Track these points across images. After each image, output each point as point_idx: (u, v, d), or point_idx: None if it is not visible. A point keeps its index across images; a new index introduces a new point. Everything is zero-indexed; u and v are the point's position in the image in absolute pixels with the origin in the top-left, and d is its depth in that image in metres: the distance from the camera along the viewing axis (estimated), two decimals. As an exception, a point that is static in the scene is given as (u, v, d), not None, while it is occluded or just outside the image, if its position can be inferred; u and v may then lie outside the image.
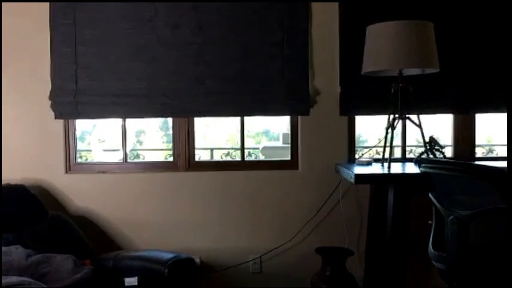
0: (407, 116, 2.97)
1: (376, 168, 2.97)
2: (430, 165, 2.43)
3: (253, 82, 3.28)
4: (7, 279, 2.29)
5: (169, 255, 2.78)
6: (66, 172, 3.35)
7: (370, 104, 3.30)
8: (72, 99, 3.24)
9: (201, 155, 3.52)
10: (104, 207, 3.34)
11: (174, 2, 3.24)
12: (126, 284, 2.70)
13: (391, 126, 2.96)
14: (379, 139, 3.23)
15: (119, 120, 3.41)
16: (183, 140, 3.40)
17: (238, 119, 3.43)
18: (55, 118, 3.27)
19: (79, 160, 3.45)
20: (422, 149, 3.04)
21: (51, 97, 3.25)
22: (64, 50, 3.23)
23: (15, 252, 2.64)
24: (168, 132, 3.67)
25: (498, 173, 2.16)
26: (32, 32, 3.25)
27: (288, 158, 3.47)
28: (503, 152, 3.59)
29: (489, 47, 3.30)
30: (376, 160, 3.20)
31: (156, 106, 3.27)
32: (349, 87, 3.30)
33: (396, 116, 2.94)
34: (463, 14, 3.29)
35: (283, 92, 3.29)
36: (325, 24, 3.32)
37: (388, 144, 2.96)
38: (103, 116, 3.33)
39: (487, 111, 3.42)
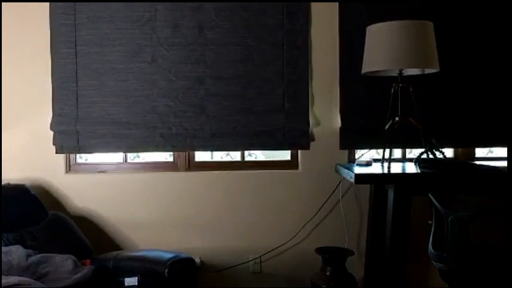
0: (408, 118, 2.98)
1: (376, 168, 2.97)
2: (430, 165, 2.44)
3: (252, 84, 3.28)
4: (7, 279, 2.29)
5: (169, 255, 2.78)
6: (66, 172, 3.36)
7: (370, 138, 3.23)
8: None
9: (201, 155, 3.51)
10: (103, 207, 3.33)
11: (174, 3, 3.24)
12: (126, 284, 2.69)
13: (391, 126, 2.95)
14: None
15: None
16: (183, 140, 3.40)
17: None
18: (56, 153, 3.27)
19: (79, 160, 3.45)
20: (423, 149, 3.04)
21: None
22: (64, 50, 3.23)
23: (16, 252, 2.64)
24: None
25: (498, 173, 2.17)
26: (32, 32, 3.25)
27: (288, 158, 3.47)
28: (503, 152, 3.59)
29: (491, 50, 3.29)
30: (376, 160, 3.20)
31: (157, 138, 3.26)
32: (349, 120, 3.30)
33: (396, 119, 2.94)
34: (463, 14, 3.28)
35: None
36: (325, 25, 3.32)
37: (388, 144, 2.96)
38: (103, 150, 3.33)
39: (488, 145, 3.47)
